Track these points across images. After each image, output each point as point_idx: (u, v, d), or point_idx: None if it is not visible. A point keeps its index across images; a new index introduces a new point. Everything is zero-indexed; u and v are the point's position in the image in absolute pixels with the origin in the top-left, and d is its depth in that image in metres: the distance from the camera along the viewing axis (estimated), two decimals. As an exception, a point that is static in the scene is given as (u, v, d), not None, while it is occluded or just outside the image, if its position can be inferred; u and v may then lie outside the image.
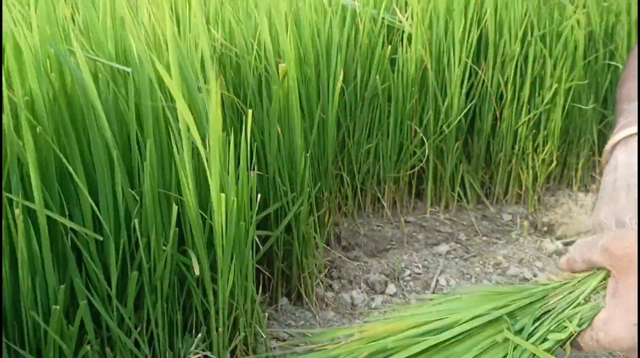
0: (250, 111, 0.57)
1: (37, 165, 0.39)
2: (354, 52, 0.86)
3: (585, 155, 1.06)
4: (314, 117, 0.76)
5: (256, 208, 0.58)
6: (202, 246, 0.48)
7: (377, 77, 0.88)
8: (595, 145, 1.14)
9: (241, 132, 0.53)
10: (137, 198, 0.44)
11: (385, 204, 0.94)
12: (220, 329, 0.54)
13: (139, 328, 0.48)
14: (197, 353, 0.53)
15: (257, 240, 0.71)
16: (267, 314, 0.72)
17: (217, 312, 0.53)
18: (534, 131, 0.97)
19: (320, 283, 0.76)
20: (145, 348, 0.49)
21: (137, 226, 0.43)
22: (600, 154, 0.97)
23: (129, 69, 0.39)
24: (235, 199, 0.49)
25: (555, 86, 0.92)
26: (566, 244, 0.89)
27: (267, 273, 0.74)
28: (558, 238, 0.93)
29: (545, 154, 0.97)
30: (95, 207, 0.41)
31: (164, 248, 0.46)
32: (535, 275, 0.82)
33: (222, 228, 0.48)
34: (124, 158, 0.44)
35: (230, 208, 0.48)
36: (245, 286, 0.56)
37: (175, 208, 0.44)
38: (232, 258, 0.52)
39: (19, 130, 0.40)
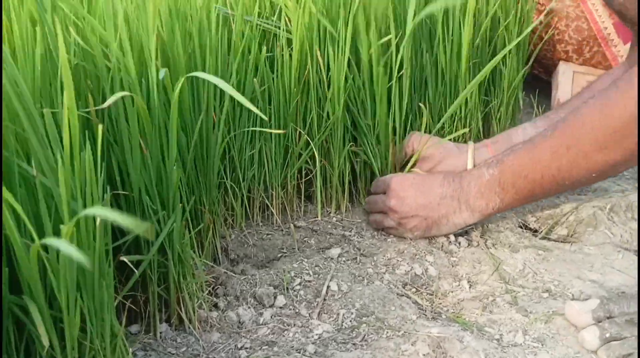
0: (100, 127, 0.52)
1: None
2: (228, 56, 0.82)
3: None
4: (192, 127, 0.71)
5: (110, 233, 0.52)
6: (38, 284, 0.41)
7: (255, 79, 0.84)
8: (481, 134, 1.16)
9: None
10: None
11: (274, 211, 0.91)
12: (73, 375, 0.48)
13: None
14: (48, 405, 0.47)
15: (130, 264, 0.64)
16: (143, 344, 0.66)
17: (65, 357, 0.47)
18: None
19: (203, 303, 0.71)
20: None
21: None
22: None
23: None
24: (73, 226, 0.43)
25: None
26: (457, 235, 0.89)
27: (142, 299, 0.68)
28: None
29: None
30: None
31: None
32: (426, 270, 0.81)
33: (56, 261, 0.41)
34: None
35: (71, 236, 0.42)
36: (102, 321, 0.50)
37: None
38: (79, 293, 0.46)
39: None
